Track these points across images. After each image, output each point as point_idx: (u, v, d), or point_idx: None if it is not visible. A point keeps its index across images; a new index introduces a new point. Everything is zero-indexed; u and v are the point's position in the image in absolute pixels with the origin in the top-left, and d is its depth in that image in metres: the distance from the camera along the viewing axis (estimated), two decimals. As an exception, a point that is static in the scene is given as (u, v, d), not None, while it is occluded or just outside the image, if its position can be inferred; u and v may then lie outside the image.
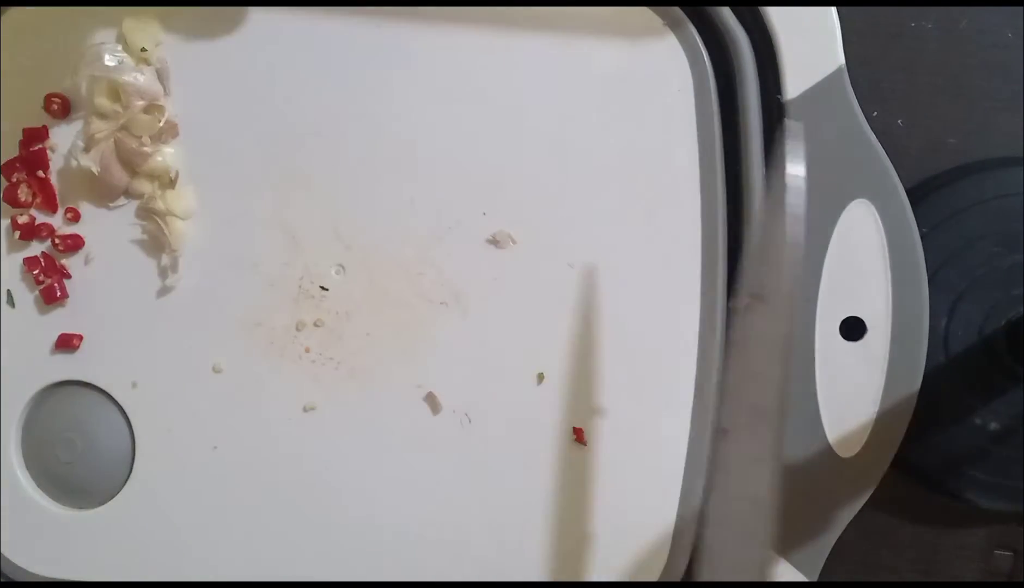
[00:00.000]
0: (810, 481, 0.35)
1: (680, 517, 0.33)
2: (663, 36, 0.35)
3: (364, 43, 0.36)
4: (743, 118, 0.32)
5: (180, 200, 0.36)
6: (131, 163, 0.36)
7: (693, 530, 0.32)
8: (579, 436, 0.35)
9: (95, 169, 0.36)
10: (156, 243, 0.37)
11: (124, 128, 0.36)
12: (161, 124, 0.36)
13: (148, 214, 0.37)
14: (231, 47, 0.36)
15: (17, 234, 0.37)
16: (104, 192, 0.36)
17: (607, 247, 0.35)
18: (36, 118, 0.37)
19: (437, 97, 0.36)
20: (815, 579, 0.36)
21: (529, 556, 0.36)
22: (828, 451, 0.35)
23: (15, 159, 0.37)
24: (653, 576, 0.33)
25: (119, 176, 0.36)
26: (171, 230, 0.36)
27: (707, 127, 0.34)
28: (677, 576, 0.33)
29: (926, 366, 0.35)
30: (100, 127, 0.36)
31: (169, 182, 0.36)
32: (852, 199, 0.35)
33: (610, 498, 0.35)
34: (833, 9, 0.34)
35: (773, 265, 0.25)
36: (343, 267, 0.37)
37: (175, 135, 0.36)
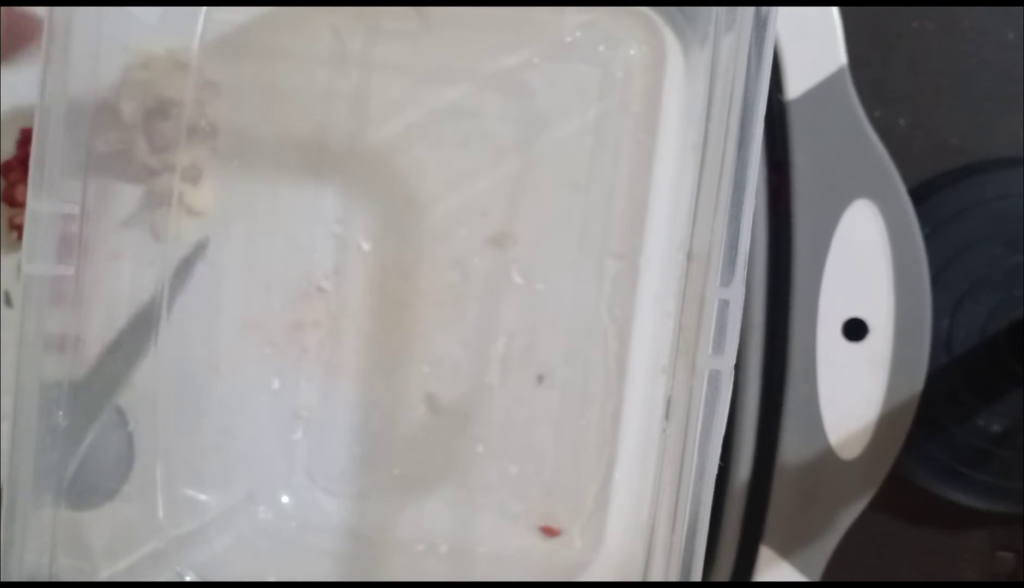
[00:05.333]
0: (812, 483, 0.35)
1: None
2: (659, 34, 0.35)
3: (362, 49, 0.36)
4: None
5: (201, 197, 0.36)
6: (147, 164, 0.36)
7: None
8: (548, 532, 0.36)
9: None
10: (157, 243, 0.37)
11: (144, 132, 0.36)
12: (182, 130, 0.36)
13: (150, 213, 0.36)
14: (232, 50, 0.36)
15: (15, 235, 0.37)
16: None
17: (608, 247, 0.35)
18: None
19: (436, 97, 0.36)
20: (817, 579, 0.36)
21: (526, 557, 0.36)
22: (830, 452, 0.35)
23: (13, 159, 0.37)
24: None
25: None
26: (173, 230, 0.36)
27: (703, 126, 0.34)
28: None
29: (928, 367, 0.35)
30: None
31: (192, 180, 0.36)
32: (854, 199, 0.35)
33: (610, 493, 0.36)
34: (835, 9, 0.34)
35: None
36: (341, 268, 0.37)
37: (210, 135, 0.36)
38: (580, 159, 0.35)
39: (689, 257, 0.31)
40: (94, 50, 0.34)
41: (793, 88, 0.35)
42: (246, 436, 0.37)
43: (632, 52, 0.35)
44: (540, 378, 0.36)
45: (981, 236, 0.37)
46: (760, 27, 0.29)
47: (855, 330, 0.35)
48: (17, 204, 0.37)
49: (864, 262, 0.35)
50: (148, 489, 0.37)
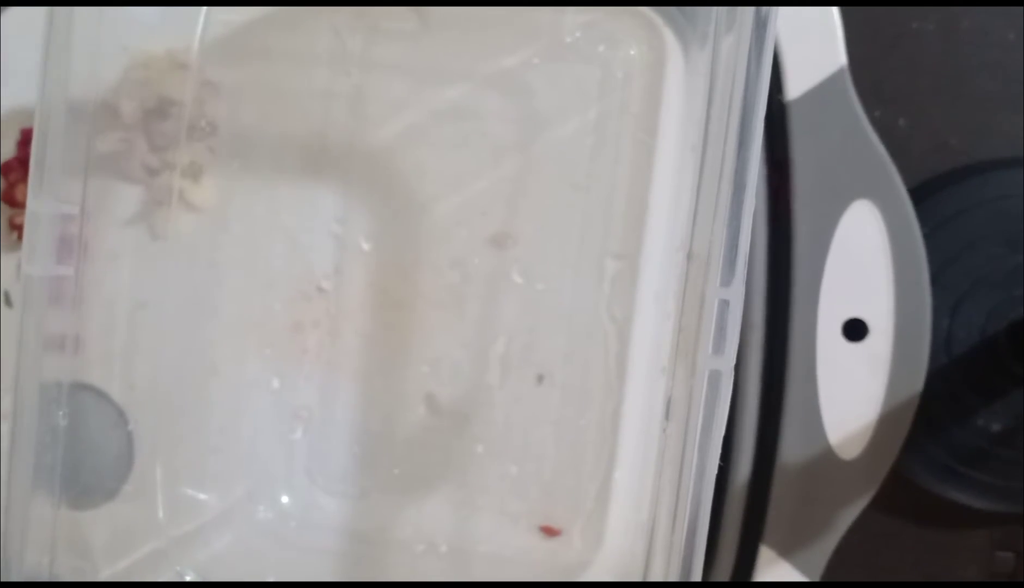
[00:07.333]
0: (811, 483, 0.35)
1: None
2: (659, 35, 0.35)
3: (362, 49, 0.36)
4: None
5: (202, 193, 0.36)
6: (147, 163, 0.36)
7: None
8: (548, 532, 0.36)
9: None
10: (157, 243, 0.37)
11: (144, 132, 0.36)
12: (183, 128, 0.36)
13: (150, 213, 0.37)
14: (232, 50, 0.36)
15: (15, 235, 0.37)
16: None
17: (608, 246, 0.35)
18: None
19: (436, 97, 0.36)
20: (817, 579, 0.36)
21: (526, 557, 0.36)
22: (829, 453, 0.35)
23: (13, 159, 0.37)
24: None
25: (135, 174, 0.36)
26: (173, 229, 0.36)
27: (704, 126, 0.34)
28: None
29: (928, 367, 0.35)
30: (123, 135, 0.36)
31: (193, 176, 0.36)
32: (854, 200, 0.35)
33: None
34: (835, 9, 0.34)
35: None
36: (341, 268, 0.37)
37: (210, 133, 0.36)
38: (580, 159, 0.35)
39: (689, 257, 0.31)
40: (94, 50, 0.34)
41: (793, 88, 0.35)
42: (246, 436, 0.37)
43: (632, 52, 0.35)
44: (540, 378, 0.36)
45: (981, 236, 0.37)
46: (760, 27, 0.29)
47: (855, 330, 0.35)
48: (17, 204, 0.37)
49: (864, 262, 0.35)
50: (148, 489, 0.37)
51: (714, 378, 0.26)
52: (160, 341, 0.37)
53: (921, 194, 0.37)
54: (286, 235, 0.37)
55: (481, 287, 0.36)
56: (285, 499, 0.37)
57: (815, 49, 0.34)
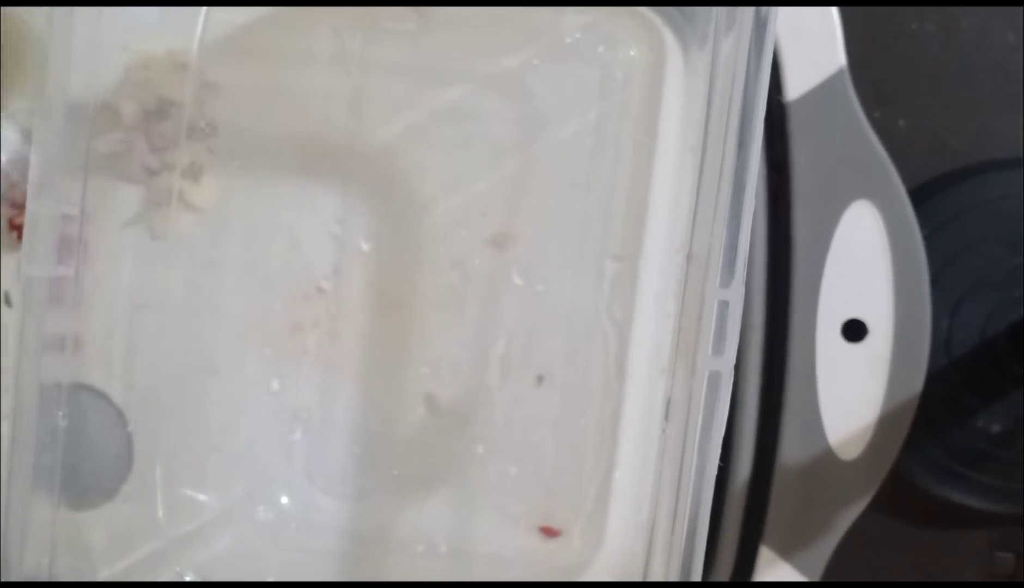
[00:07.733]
0: (811, 483, 0.35)
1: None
2: (659, 35, 0.35)
3: (362, 49, 0.36)
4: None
5: (202, 193, 0.36)
6: (147, 164, 0.36)
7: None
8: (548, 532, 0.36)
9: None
10: (157, 243, 0.37)
11: (144, 132, 0.36)
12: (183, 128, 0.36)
13: (151, 213, 0.37)
14: (232, 50, 0.36)
15: (15, 235, 0.37)
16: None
17: (608, 247, 0.35)
18: (35, 118, 0.37)
19: (436, 98, 0.36)
20: (817, 579, 0.36)
21: (525, 557, 0.36)
22: (829, 453, 0.35)
23: (13, 159, 0.37)
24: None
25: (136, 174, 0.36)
26: (172, 229, 0.36)
27: (703, 128, 0.34)
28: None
29: (928, 368, 0.35)
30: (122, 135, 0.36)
31: (193, 176, 0.36)
32: (853, 200, 0.35)
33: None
34: (835, 9, 0.34)
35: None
36: (341, 268, 0.37)
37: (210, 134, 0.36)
38: (580, 160, 0.35)
39: (689, 258, 0.31)
40: (94, 50, 0.34)
41: (793, 89, 0.35)
42: (246, 436, 0.37)
43: (632, 53, 0.35)
44: (540, 379, 0.36)
45: (981, 237, 0.37)
46: (760, 27, 0.29)
47: (855, 331, 0.35)
48: (17, 204, 0.37)
49: (864, 263, 0.35)
50: (148, 489, 0.37)
51: (714, 378, 0.26)
52: (160, 341, 0.37)
53: (921, 195, 0.37)
54: (286, 235, 0.37)
55: (481, 288, 0.36)
56: (285, 500, 0.37)
57: (815, 50, 0.34)
